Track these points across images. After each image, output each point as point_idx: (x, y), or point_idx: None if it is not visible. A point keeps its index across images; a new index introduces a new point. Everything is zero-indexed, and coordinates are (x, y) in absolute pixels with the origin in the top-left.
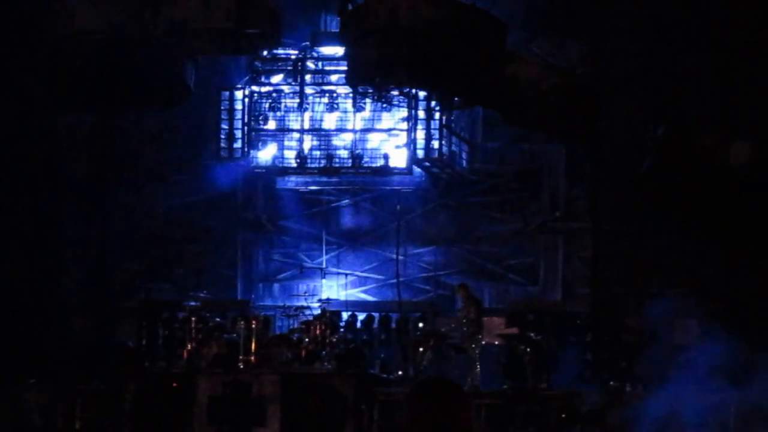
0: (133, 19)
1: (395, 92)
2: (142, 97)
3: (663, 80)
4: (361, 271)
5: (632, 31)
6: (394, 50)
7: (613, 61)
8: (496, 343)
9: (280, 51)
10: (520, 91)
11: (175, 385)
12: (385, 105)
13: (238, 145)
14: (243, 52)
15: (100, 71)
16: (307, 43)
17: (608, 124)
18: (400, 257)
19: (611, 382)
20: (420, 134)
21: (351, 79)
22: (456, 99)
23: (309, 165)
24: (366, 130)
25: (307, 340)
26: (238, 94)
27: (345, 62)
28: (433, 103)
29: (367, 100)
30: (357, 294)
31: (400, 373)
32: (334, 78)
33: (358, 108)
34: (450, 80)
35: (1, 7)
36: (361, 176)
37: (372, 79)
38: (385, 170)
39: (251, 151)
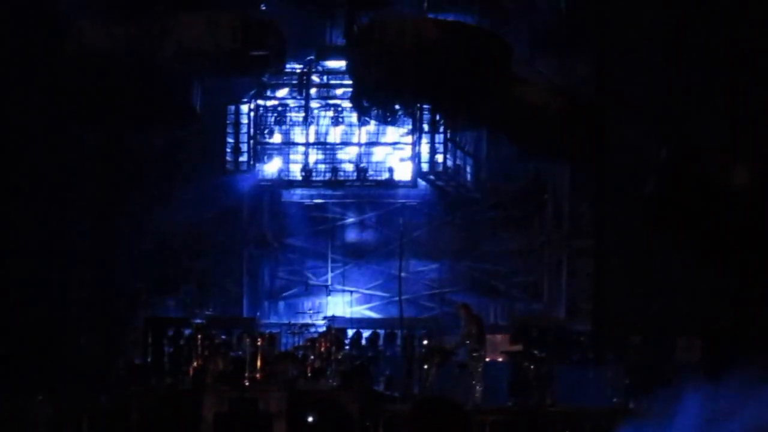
0: (140, 40)
1: (400, 112)
2: (149, 118)
3: (668, 100)
4: (366, 288)
5: (638, 50)
6: (399, 72)
7: (618, 80)
8: (501, 359)
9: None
10: (525, 114)
11: (181, 401)
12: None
13: (243, 158)
14: (248, 73)
15: (106, 91)
16: (312, 57)
17: (613, 145)
18: (405, 274)
19: (615, 399)
20: (425, 147)
21: (356, 100)
22: (461, 121)
23: (314, 178)
24: (371, 144)
25: (312, 357)
26: (244, 108)
27: (350, 79)
28: (437, 117)
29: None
30: (362, 311)
31: (405, 390)
32: (339, 92)
33: (362, 122)
34: (455, 102)
35: (11, 26)
36: (366, 189)
37: (377, 100)
38: (390, 183)
39: (257, 165)
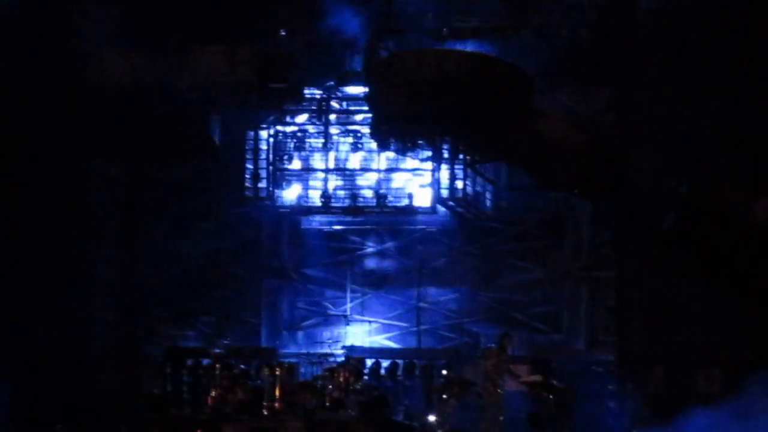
0: (159, 72)
1: (419, 144)
2: (168, 150)
3: (689, 132)
4: (386, 318)
5: (659, 80)
6: (418, 103)
7: (639, 110)
8: (520, 390)
9: (305, 91)
10: (545, 149)
11: (200, 431)
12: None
13: (263, 185)
14: (266, 106)
15: (125, 123)
16: (332, 83)
17: (634, 177)
18: (424, 304)
19: (635, 430)
20: (444, 174)
21: (375, 130)
22: (480, 153)
23: (333, 204)
24: (390, 170)
25: (331, 387)
26: (263, 134)
27: (369, 110)
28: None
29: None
30: (381, 341)
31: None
32: (359, 118)
33: (382, 148)
34: (474, 135)
35: (32, 58)
36: (385, 216)
37: (396, 131)
38: (410, 210)
39: (276, 191)
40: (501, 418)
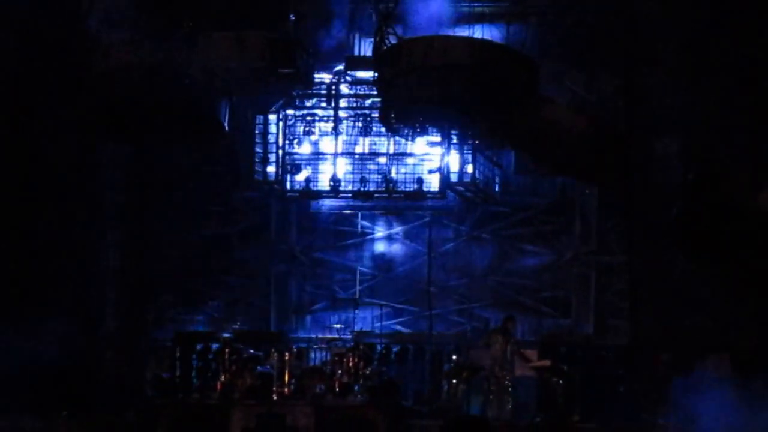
0: (167, 58)
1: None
2: (176, 134)
3: (697, 119)
4: (396, 303)
5: (668, 65)
6: (425, 90)
7: (647, 96)
8: (528, 375)
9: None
10: (552, 136)
11: (208, 416)
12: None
13: (272, 168)
14: (275, 91)
15: (133, 107)
16: (341, 67)
17: (642, 164)
18: (434, 289)
19: (643, 416)
20: (453, 158)
21: (385, 117)
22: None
23: (342, 189)
24: (399, 154)
25: (340, 372)
26: (272, 118)
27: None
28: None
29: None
30: (392, 326)
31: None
32: (368, 102)
33: (391, 132)
34: (482, 122)
35: (41, 41)
36: (394, 200)
37: (405, 118)
38: (419, 194)
39: (285, 175)
40: (510, 402)
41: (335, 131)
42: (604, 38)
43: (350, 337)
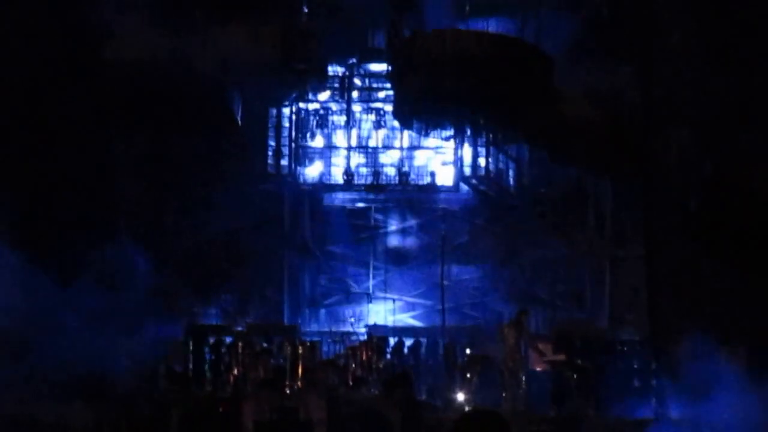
0: (181, 50)
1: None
2: (189, 125)
3: (712, 110)
4: (409, 296)
5: (682, 57)
6: (439, 83)
7: (662, 87)
8: (543, 368)
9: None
10: (567, 129)
11: (221, 409)
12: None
13: (285, 162)
14: (288, 85)
15: (146, 98)
16: (354, 60)
17: (658, 156)
18: (447, 282)
19: (658, 408)
20: (467, 151)
21: (398, 110)
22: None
23: (356, 182)
24: (413, 147)
25: (353, 365)
26: (286, 111)
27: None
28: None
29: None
30: (405, 319)
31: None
32: (381, 95)
33: (404, 126)
34: (495, 115)
35: (54, 32)
36: (407, 193)
37: (418, 111)
38: (432, 187)
39: (298, 168)
40: (524, 395)
41: (348, 124)
42: (620, 29)
43: (364, 330)
